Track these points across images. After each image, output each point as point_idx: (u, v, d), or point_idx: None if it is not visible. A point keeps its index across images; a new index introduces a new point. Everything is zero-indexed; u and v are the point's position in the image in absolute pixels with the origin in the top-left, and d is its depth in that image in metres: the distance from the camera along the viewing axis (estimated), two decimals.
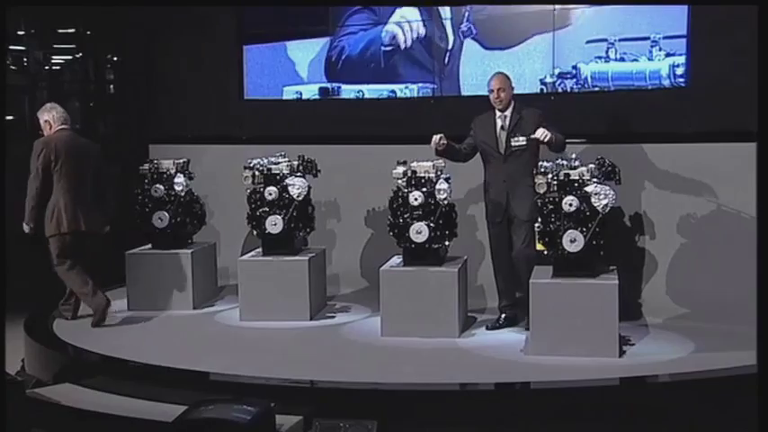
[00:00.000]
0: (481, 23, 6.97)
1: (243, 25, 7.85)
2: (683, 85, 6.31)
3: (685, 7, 6.24)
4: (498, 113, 5.66)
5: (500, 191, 5.64)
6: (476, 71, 6.98)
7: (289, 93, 7.74)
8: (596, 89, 6.62)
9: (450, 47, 7.12)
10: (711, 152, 6.06)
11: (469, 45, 7.03)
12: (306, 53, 7.65)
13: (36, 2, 7.35)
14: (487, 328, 5.71)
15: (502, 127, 5.64)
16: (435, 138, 5.66)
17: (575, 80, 6.70)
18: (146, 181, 6.68)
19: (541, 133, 5.36)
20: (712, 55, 6.09)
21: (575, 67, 6.68)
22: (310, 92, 7.68)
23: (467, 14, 7.01)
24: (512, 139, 5.57)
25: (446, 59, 7.14)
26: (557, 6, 6.64)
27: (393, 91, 7.40)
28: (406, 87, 7.35)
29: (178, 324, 6.24)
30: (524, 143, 5.53)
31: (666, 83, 6.40)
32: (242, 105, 7.90)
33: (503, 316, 5.74)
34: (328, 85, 7.61)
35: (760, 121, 3.74)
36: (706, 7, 6.09)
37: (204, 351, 5.54)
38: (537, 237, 5.26)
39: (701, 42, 6.17)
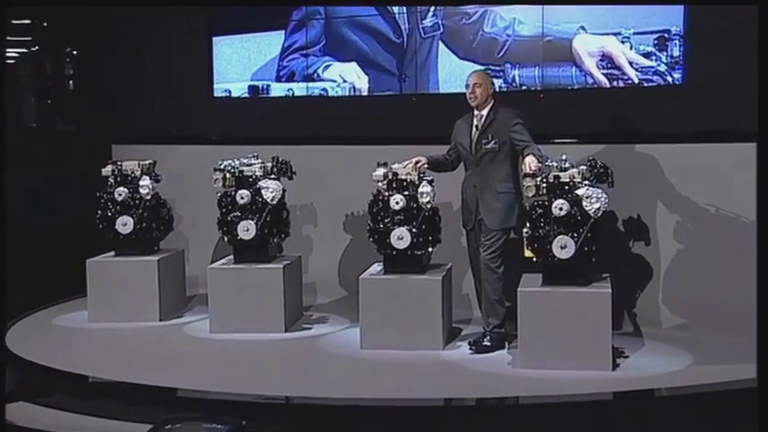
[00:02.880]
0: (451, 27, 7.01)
1: (213, 16, 7.83)
2: (679, 82, 6.36)
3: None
4: (475, 113, 5.66)
5: (471, 196, 5.65)
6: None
7: (218, 90, 7.83)
8: (524, 88, 6.74)
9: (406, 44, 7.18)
10: (710, 153, 6.10)
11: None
12: (268, 46, 7.70)
13: (36, 2, 7.43)
14: (472, 351, 5.57)
15: (476, 127, 5.64)
16: (412, 163, 5.70)
17: (501, 79, 6.76)
18: (109, 184, 6.66)
19: (528, 166, 5.23)
20: (708, 53, 6.15)
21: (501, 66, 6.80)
22: (240, 90, 7.78)
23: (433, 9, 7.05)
24: (483, 140, 5.56)
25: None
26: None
27: (324, 89, 7.48)
28: (338, 86, 7.44)
29: (143, 337, 6.21)
30: (495, 146, 5.51)
31: (590, 81, 6.53)
32: (212, 102, 7.89)
33: (487, 338, 5.59)
34: (258, 84, 7.68)
35: (760, 122, 3.80)
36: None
37: (171, 365, 5.53)
38: (525, 243, 5.27)
39: (696, 40, 6.24)
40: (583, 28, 6.55)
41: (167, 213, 6.82)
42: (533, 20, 6.70)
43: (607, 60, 6.50)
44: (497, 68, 6.78)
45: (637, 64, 6.42)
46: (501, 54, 6.81)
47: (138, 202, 6.57)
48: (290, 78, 7.62)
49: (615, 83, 6.49)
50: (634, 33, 6.41)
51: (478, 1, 6.88)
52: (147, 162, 6.76)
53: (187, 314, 6.75)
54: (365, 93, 7.38)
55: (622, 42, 6.43)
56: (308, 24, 7.51)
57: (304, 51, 7.54)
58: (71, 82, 8.69)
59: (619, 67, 6.46)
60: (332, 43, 7.46)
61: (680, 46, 6.30)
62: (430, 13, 7.07)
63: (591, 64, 6.52)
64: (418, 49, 7.13)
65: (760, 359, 3.59)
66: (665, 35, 6.33)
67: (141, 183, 6.57)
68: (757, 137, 3.84)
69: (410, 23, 7.14)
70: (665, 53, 6.35)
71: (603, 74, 6.51)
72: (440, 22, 7.03)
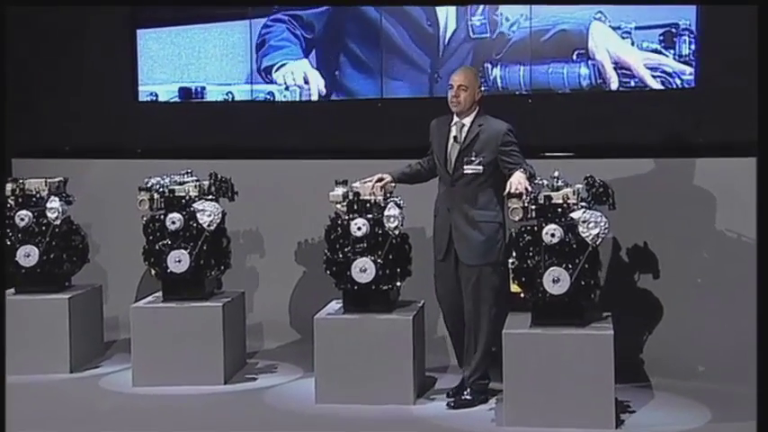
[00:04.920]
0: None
1: (137, 4, 7.82)
2: (689, 85, 6.45)
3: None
4: (455, 119, 5.63)
5: (444, 221, 5.63)
6: None
7: (143, 94, 7.83)
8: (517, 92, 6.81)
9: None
10: (728, 168, 6.16)
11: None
12: (203, 42, 7.72)
13: (36, 2, 7.59)
14: (449, 406, 5.59)
15: (455, 138, 5.60)
16: (372, 183, 5.71)
17: (482, 80, 6.69)
18: (8, 206, 6.60)
19: (513, 186, 5.18)
20: (723, 50, 6.24)
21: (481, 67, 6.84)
22: (169, 93, 7.78)
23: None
24: (464, 159, 5.51)
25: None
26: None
27: (271, 92, 7.51)
28: (287, 89, 7.43)
29: (51, 392, 6.16)
30: (479, 168, 5.48)
31: (585, 83, 6.65)
32: (135, 108, 7.87)
33: (467, 390, 5.61)
34: (191, 86, 7.71)
35: (760, 125, 3.93)
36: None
37: (86, 427, 5.48)
38: (511, 276, 5.31)
39: (710, 35, 6.35)
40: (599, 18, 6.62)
41: (81, 242, 6.77)
42: (517, 14, 6.79)
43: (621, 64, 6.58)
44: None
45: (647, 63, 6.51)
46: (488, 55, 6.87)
47: (44, 228, 6.52)
48: (259, 47, 7.51)
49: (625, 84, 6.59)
50: (636, 28, 6.52)
51: (477, 0, 6.92)
52: (56, 180, 6.72)
53: (105, 364, 6.71)
54: (316, 97, 7.36)
55: (623, 38, 6.53)
56: None
57: (302, 21, 7.37)
58: None
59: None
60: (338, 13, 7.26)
61: (690, 43, 6.41)
62: (479, 11, 6.90)
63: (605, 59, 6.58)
64: (457, 48, 6.99)
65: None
66: (673, 30, 6.43)
67: (49, 205, 6.52)
68: (758, 141, 3.94)
69: (459, 16, 6.98)
70: (672, 51, 6.47)
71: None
72: (488, 26, 6.90)
